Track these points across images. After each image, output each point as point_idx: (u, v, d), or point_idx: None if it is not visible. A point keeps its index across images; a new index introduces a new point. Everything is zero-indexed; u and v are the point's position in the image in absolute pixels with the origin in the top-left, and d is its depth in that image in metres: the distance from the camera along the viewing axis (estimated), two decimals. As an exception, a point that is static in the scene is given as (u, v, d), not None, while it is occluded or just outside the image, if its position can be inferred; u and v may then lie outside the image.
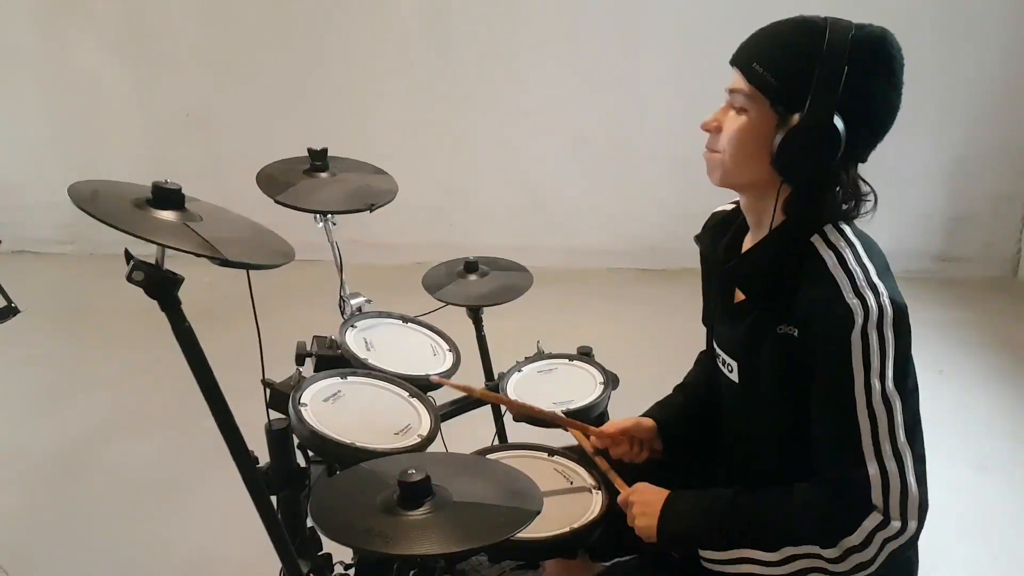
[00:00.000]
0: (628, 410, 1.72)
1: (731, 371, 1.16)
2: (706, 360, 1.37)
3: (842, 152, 0.98)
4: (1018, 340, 3.25)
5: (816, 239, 1.03)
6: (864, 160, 1.05)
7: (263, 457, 1.29)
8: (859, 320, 0.94)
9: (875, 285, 0.97)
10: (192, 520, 2.22)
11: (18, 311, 1.43)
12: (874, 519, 0.96)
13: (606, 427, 1.32)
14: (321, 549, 1.41)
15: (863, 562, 0.97)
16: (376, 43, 3.89)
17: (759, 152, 1.03)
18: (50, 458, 2.53)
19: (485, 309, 1.71)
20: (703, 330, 1.38)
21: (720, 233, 1.21)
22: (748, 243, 1.16)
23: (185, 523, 2.21)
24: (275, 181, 1.55)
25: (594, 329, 3.07)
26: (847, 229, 1.04)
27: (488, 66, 3.88)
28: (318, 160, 1.60)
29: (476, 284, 1.69)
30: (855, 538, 0.96)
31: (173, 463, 2.49)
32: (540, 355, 1.64)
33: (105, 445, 2.59)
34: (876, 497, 0.96)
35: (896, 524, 0.96)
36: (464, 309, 1.70)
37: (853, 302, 0.95)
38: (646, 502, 1.13)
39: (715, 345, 1.21)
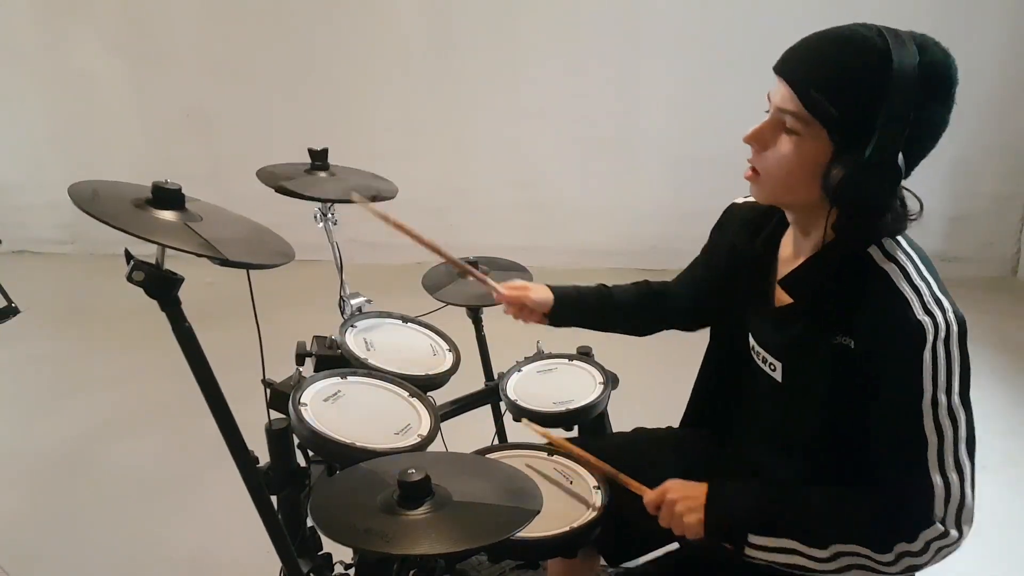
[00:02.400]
0: (628, 410, 1.72)
1: (774, 370, 1.15)
2: (640, 292, 1.44)
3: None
4: (1018, 340, 3.25)
5: (874, 251, 1.01)
6: (908, 176, 1.01)
7: (263, 457, 1.29)
8: (930, 337, 0.94)
9: (940, 300, 0.96)
10: (192, 520, 2.22)
11: (18, 311, 1.43)
12: (935, 530, 0.96)
13: (508, 287, 1.40)
14: (321, 549, 1.41)
15: (916, 565, 0.99)
16: (376, 43, 3.90)
17: (809, 177, 0.99)
18: (50, 458, 2.53)
19: (485, 309, 1.71)
20: (703, 330, 1.39)
21: (756, 227, 1.19)
22: (788, 242, 1.15)
23: (185, 523, 2.21)
24: (275, 177, 1.55)
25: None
26: (902, 241, 1.03)
27: (488, 66, 3.89)
28: (318, 160, 1.60)
29: (476, 284, 1.69)
30: (914, 546, 0.97)
31: (173, 463, 2.49)
32: (540, 355, 1.63)
33: (105, 445, 2.59)
34: (938, 508, 0.96)
35: (954, 534, 0.97)
36: (464, 309, 1.70)
37: (924, 320, 0.94)
38: (688, 497, 1.09)
39: (753, 342, 1.20)
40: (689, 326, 1.44)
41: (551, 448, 1.35)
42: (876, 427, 1.01)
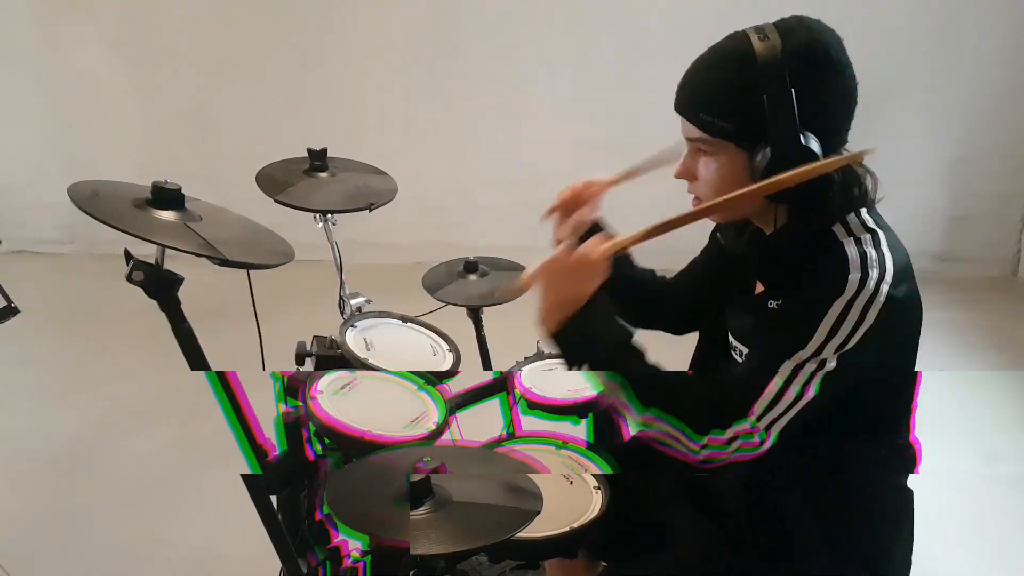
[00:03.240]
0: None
1: (741, 357, 1.16)
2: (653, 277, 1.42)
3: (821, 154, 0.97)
4: (1018, 340, 3.25)
5: (837, 227, 1.02)
6: (845, 141, 1.03)
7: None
8: (850, 291, 0.94)
9: (885, 271, 0.96)
10: (192, 520, 2.22)
11: (18, 311, 1.43)
12: (744, 424, 0.96)
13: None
14: (330, 542, 1.40)
15: (714, 458, 0.97)
16: (376, 43, 3.89)
17: (743, 188, 1.00)
18: (50, 458, 2.53)
19: (485, 309, 1.71)
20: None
21: (742, 226, 1.20)
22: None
23: (185, 523, 2.21)
24: (275, 181, 1.55)
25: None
26: (869, 219, 1.03)
27: (488, 66, 3.88)
28: (318, 160, 1.60)
29: (476, 284, 1.69)
30: (722, 437, 0.96)
31: (173, 463, 2.49)
32: (540, 355, 1.63)
33: (105, 445, 2.58)
34: (759, 406, 0.96)
35: (757, 439, 0.96)
36: (464, 309, 1.70)
37: (852, 276, 0.95)
38: (558, 286, 1.04)
39: (730, 335, 1.21)
40: (679, 327, 1.42)
41: (561, 442, 1.35)
42: (754, 344, 1.04)
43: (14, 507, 2.30)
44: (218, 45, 4.00)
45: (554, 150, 3.97)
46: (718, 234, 1.27)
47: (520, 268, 1.76)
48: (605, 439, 1.58)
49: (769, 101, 0.95)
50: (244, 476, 1.12)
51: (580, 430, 1.50)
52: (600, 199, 1.29)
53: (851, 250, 0.98)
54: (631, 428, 0.99)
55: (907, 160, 3.60)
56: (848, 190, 1.02)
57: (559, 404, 1.43)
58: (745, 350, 1.16)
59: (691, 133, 1.04)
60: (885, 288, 0.95)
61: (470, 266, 1.71)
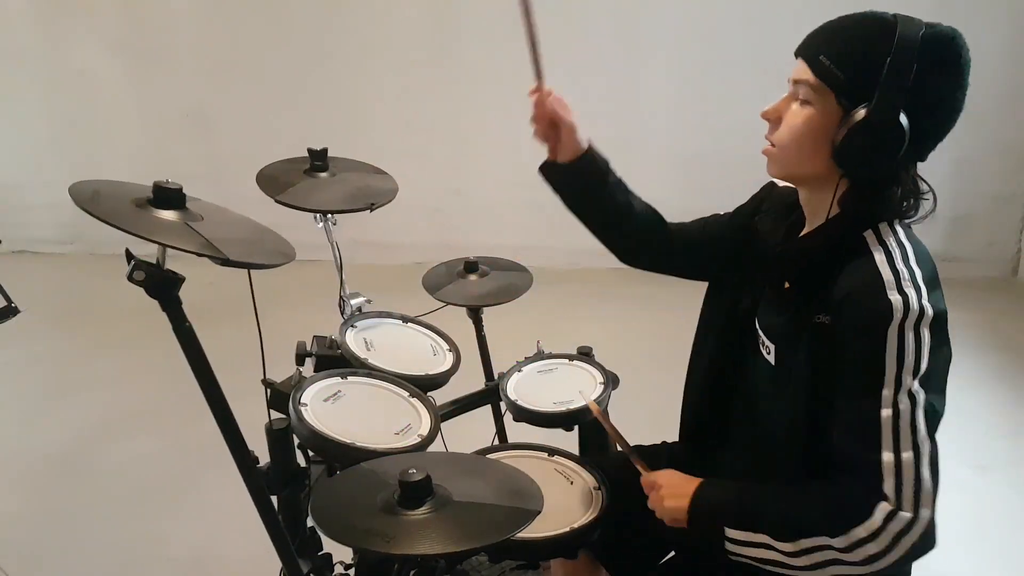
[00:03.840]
0: (628, 410, 1.72)
1: (768, 353, 1.17)
2: (659, 217, 1.39)
3: (904, 150, 0.98)
4: (1018, 340, 3.25)
5: (868, 234, 1.03)
6: (923, 159, 1.05)
7: (263, 456, 1.29)
8: (898, 316, 0.95)
9: (919, 287, 0.97)
10: (192, 520, 2.22)
11: (18, 311, 1.43)
12: (883, 509, 0.95)
13: (555, 99, 1.33)
14: (321, 549, 1.41)
15: (875, 553, 0.96)
16: (376, 43, 3.90)
17: (821, 146, 1.03)
18: (51, 458, 2.53)
19: (485, 309, 1.71)
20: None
21: (783, 214, 1.21)
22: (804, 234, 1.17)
23: (185, 523, 2.21)
24: (275, 181, 1.55)
25: (594, 329, 3.07)
26: (900, 231, 1.04)
27: (488, 65, 3.88)
28: (318, 160, 1.60)
29: (476, 284, 1.69)
30: (865, 528, 0.95)
31: (173, 463, 2.49)
32: (540, 355, 1.63)
33: (105, 445, 2.59)
34: (888, 486, 0.95)
35: (906, 515, 0.95)
36: (464, 309, 1.70)
37: (895, 299, 0.95)
38: (675, 484, 1.12)
39: (756, 326, 1.21)
40: (684, 271, 1.39)
41: (551, 448, 1.35)
42: (838, 403, 1.01)
43: (14, 507, 2.30)
44: (219, 45, 4.01)
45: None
46: (756, 218, 1.27)
47: (520, 268, 1.76)
48: (594, 449, 1.59)
49: (889, 69, 0.96)
50: (244, 476, 1.12)
51: (569, 437, 1.50)
52: (556, 102, 1.32)
53: (884, 267, 0.98)
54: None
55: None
56: (906, 198, 1.04)
57: (548, 414, 1.42)
58: (767, 341, 1.17)
59: (801, 75, 1.04)
60: (927, 304, 0.96)
61: (470, 266, 1.71)
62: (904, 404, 0.96)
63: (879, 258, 1.00)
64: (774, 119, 1.08)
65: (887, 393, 0.96)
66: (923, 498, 0.96)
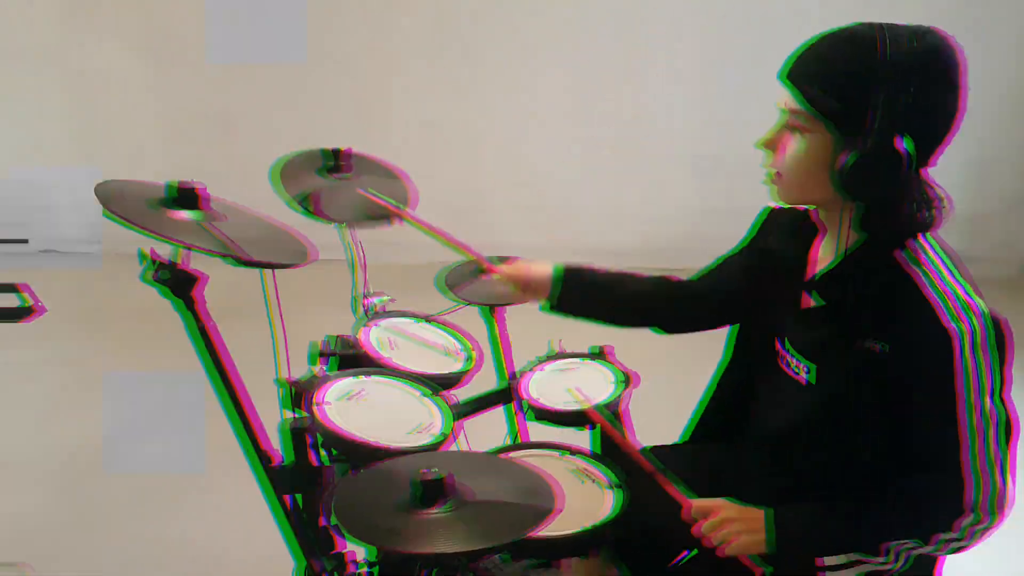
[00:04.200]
0: (644, 410, 1.71)
1: (801, 373, 1.15)
2: (664, 285, 1.39)
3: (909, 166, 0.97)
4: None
5: (900, 255, 1.02)
6: (933, 165, 1.03)
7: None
8: (958, 344, 0.96)
9: (968, 305, 0.98)
10: (209, 519, 2.24)
11: (44, 310, 1.45)
12: (968, 519, 1.00)
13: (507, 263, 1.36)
14: (334, 548, 1.41)
15: (961, 546, 1.03)
16: (391, 45, 3.91)
17: (822, 173, 1.01)
18: (74, 456, 2.56)
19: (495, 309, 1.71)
20: (718, 335, 1.37)
21: (792, 232, 1.20)
22: (819, 244, 1.16)
23: (204, 522, 2.23)
24: (293, 183, 1.55)
25: (611, 328, 3.05)
26: (928, 244, 1.04)
27: (496, 67, 3.88)
28: (339, 161, 1.60)
29: (493, 283, 1.69)
30: (952, 533, 1.01)
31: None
32: (557, 354, 1.63)
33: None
34: (969, 501, 0.99)
35: (988, 520, 1.01)
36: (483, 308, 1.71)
37: (951, 326, 0.96)
38: (746, 519, 1.10)
39: (779, 345, 1.20)
40: (712, 324, 1.40)
41: (566, 448, 1.35)
42: (912, 430, 1.02)
43: (40, 505, 2.33)
44: (239, 46, 4.03)
45: (561, 150, 3.97)
46: (764, 235, 1.26)
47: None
48: (611, 448, 1.58)
49: (881, 93, 0.94)
50: (261, 476, 1.13)
51: (587, 437, 1.50)
52: (508, 267, 1.38)
53: (930, 292, 0.99)
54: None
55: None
56: (920, 210, 1.02)
57: (565, 412, 1.42)
58: (798, 360, 1.15)
59: (792, 104, 1.02)
60: (981, 320, 0.97)
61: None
62: (980, 426, 0.98)
63: (921, 282, 1.00)
64: (773, 149, 1.07)
65: (963, 418, 0.97)
66: (999, 502, 1.00)
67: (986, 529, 1.02)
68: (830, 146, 0.99)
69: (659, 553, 1.34)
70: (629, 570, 1.34)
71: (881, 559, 1.05)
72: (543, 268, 1.33)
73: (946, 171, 1.03)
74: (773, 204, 1.28)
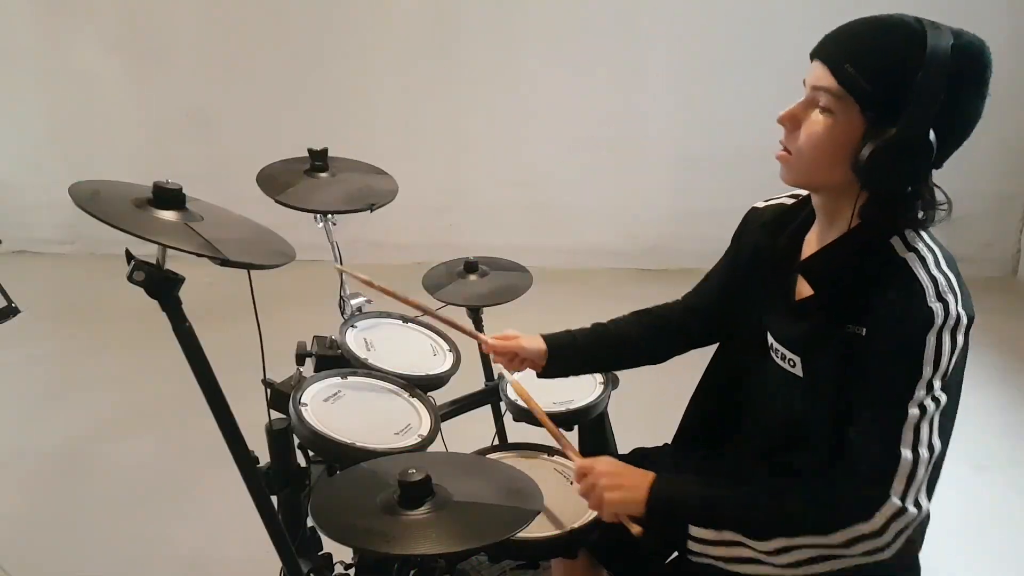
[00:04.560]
0: (628, 410, 1.73)
1: (793, 366, 1.15)
2: (643, 320, 1.39)
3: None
4: (1018, 340, 3.26)
5: (896, 241, 1.02)
6: (940, 167, 1.03)
7: (263, 457, 1.29)
8: (938, 322, 0.95)
9: (955, 291, 0.97)
10: (192, 520, 2.22)
11: (18, 311, 1.43)
12: (891, 506, 0.95)
13: (498, 338, 1.35)
14: (321, 549, 1.41)
15: (876, 548, 0.96)
16: (376, 43, 3.89)
17: (841, 157, 0.99)
18: (51, 458, 2.53)
19: (485, 309, 1.71)
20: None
21: (779, 227, 1.19)
22: (813, 238, 1.15)
23: (185, 523, 2.21)
24: (275, 181, 1.55)
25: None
26: (924, 235, 1.04)
27: (489, 66, 3.89)
28: (318, 160, 1.60)
29: (476, 284, 1.69)
30: (869, 525, 0.95)
31: (173, 463, 2.49)
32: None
33: (105, 445, 2.59)
34: (898, 483, 0.95)
35: (912, 511, 0.95)
36: (464, 309, 1.71)
37: (935, 306, 0.95)
38: (616, 474, 1.09)
39: (771, 338, 1.20)
40: (706, 339, 1.39)
41: (551, 448, 1.35)
42: (862, 398, 1.00)
43: (15, 507, 2.30)
44: (219, 45, 4.00)
45: (554, 150, 3.98)
46: (750, 236, 1.26)
47: (520, 268, 1.76)
48: (594, 449, 1.59)
49: (920, 85, 0.92)
50: (244, 476, 1.12)
51: (571, 438, 1.50)
52: (502, 340, 1.35)
53: (919, 272, 0.98)
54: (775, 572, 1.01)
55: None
56: (926, 209, 1.02)
57: (548, 414, 1.42)
58: (789, 353, 1.15)
59: (822, 81, 0.99)
60: (962, 311, 0.96)
61: (470, 266, 1.71)
62: (931, 406, 0.96)
63: (913, 264, 0.99)
64: (791, 125, 1.04)
65: (919, 394, 0.95)
66: (928, 493, 0.97)
67: (908, 526, 0.95)
68: (856, 130, 0.97)
69: (643, 554, 1.34)
70: (613, 570, 1.35)
71: (765, 549, 0.98)
72: (534, 343, 1.35)
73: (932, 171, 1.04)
74: (759, 204, 1.28)
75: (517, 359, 1.35)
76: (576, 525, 1.16)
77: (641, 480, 1.08)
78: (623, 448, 1.42)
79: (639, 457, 1.41)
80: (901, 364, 0.96)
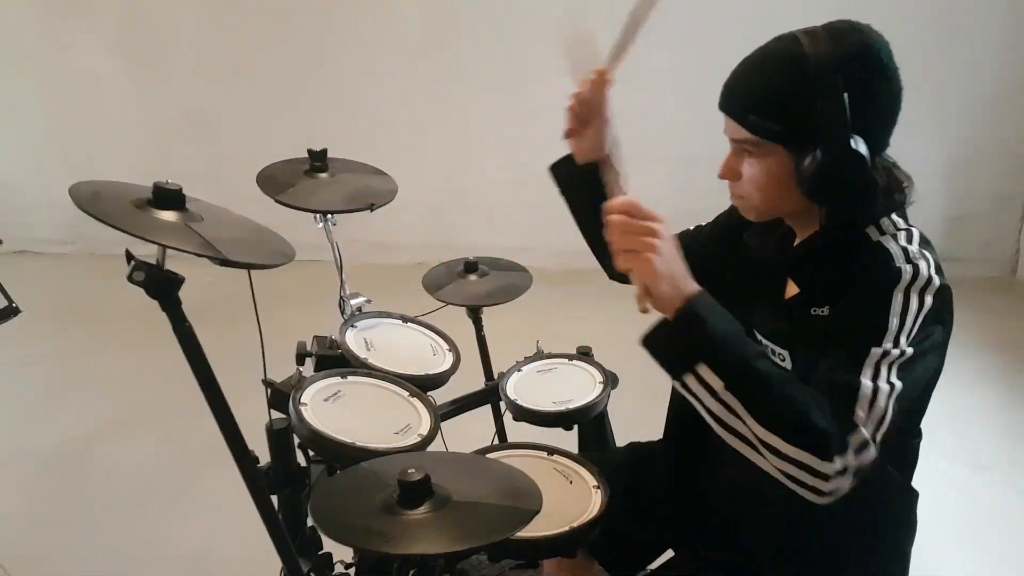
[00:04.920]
0: (628, 410, 1.73)
1: (783, 360, 1.16)
2: None
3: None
4: (1017, 340, 3.25)
5: (871, 230, 1.04)
6: (886, 147, 1.05)
7: (263, 456, 1.29)
8: (906, 279, 0.95)
9: (929, 261, 0.98)
10: (192, 519, 2.23)
11: (19, 311, 1.43)
12: (859, 436, 0.90)
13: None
14: (321, 548, 1.41)
15: (839, 490, 0.90)
16: (377, 43, 3.90)
17: (788, 188, 1.02)
18: (51, 458, 2.53)
19: (485, 309, 1.71)
20: None
21: (770, 227, 1.20)
22: (799, 240, 1.16)
23: (185, 522, 2.22)
24: (275, 181, 1.55)
25: (594, 329, 3.07)
26: (898, 219, 1.05)
27: (489, 66, 3.89)
28: (318, 161, 1.61)
29: (476, 284, 1.69)
30: (842, 460, 0.88)
31: (173, 463, 2.49)
32: (540, 355, 1.64)
33: (105, 445, 2.59)
34: (861, 409, 0.91)
35: (873, 451, 0.91)
36: (464, 309, 1.71)
37: (904, 266, 0.96)
38: (676, 257, 0.92)
39: (759, 336, 1.20)
40: None
41: (551, 448, 1.35)
42: (829, 340, 0.99)
43: (15, 506, 2.30)
44: (219, 46, 4.01)
45: (554, 150, 3.98)
46: (744, 235, 1.26)
47: (520, 268, 1.77)
48: (593, 448, 1.59)
49: (822, 104, 0.95)
50: (245, 476, 1.12)
51: (569, 437, 1.50)
52: (607, 97, 1.28)
53: (891, 246, 0.99)
54: (760, 460, 0.91)
55: (906, 160, 3.58)
56: (890, 194, 1.04)
57: (547, 413, 1.43)
58: (779, 349, 1.15)
59: (737, 134, 1.04)
60: (936, 276, 0.97)
61: (470, 266, 1.71)
62: (894, 352, 0.94)
63: (887, 242, 1.00)
64: (732, 176, 1.08)
65: (884, 341, 0.94)
66: (881, 432, 0.91)
67: (864, 466, 0.89)
68: (788, 163, 1.01)
69: (640, 551, 1.34)
70: (609, 568, 1.35)
71: (759, 434, 0.89)
72: (601, 142, 1.29)
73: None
74: None
75: (587, 122, 1.30)
76: (576, 524, 1.16)
77: (691, 283, 0.93)
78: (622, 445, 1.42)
79: (633, 452, 1.42)
80: (867, 316, 0.96)
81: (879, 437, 0.92)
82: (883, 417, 0.92)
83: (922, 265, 0.97)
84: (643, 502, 1.30)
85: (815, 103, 0.95)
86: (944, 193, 3.77)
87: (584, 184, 1.30)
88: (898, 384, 0.93)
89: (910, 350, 0.95)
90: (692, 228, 1.37)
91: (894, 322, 0.95)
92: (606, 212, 0.93)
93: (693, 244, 1.29)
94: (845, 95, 0.95)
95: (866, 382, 0.93)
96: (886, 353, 0.94)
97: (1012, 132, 3.72)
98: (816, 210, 1.05)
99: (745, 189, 1.07)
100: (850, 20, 1.01)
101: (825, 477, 0.88)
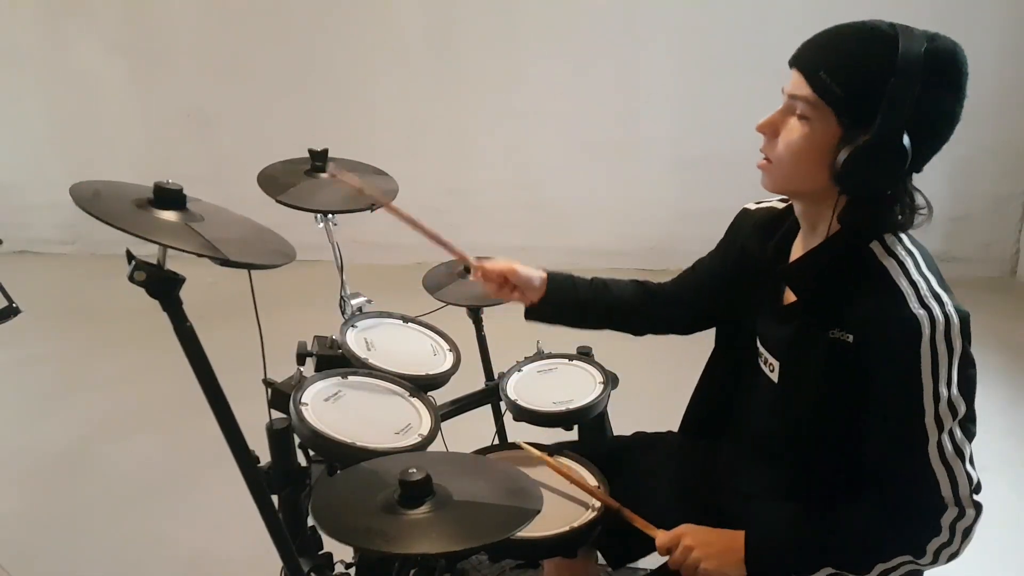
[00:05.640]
0: (628, 410, 1.73)
1: (772, 370, 1.16)
2: (639, 292, 1.39)
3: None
4: (1017, 340, 3.25)
5: (875, 246, 1.03)
6: (920, 171, 1.03)
7: (263, 456, 1.29)
8: (926, 331, 0.95)
9: (939, 295, 0.98)
10: (192, 519, 2.23)
11: (19, 311, 1.43)
12: (951, 513, 0.99)
13: (491, 264, 1.32)
14: (321, 548, 1.41)
15: (952, 553, 1.02)
16: (376, 43, 3.90)
17: (819, 163, 1.01)
18: (51, 458, 2.53)
19: (485, 309, 1.71)
20: (703, 333, 1.38)
21: (768, 232, 1.20)
22: (799, 245, 1.16)
23: (185, 522, 2.21)
24: (276, 182, 1.55)
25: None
26: (904, 238, 1.04)
27: (489, 66, 3.89)
28: (319, 161, 1.61)
29: (476, 284, 1.69)
30: (939, 540, 1.00)
31: (173, 463, 2.49)
32: (540, 355, 1.64)
33: (105, 445, 2.59)
34: (946, 494, 0.99)
35: (971, 512, 1.00)
36: (464, 309, 1.71)
37: (919, 313, 0.96)
38: (706, 543, 1.11)
39: (758, 343, 1.21)
40: (686, 328, 1.41)
41: (552, 448, 1.35)
42: (875, 424, 1.02)
43: (15, 506, 2.30)
44: (220, 46, 4.01)
45: (553, 150, 3.98)
46: (740, 237, 1.27)
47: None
48: (594, 447, 1.59)
49: (892, 90, 0.93)
50: (245, 476, 1.12)
51: (570, 437, 1.50)
52: (493, 266, 1.33)
53: (901, 281, 0.99)
54: None
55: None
56: (906, 211, 1.03)
57: (547, 413, 1.43)
58: (771, 358, 1.16)
59: (798, 90, 1.01)
60: (952, 312, 0.97)
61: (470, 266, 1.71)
62: (946, 416, 0.97)
63: (893, 271, 1.00)
64: (770, 133, 1.06)
65: (929, 409, 0.97)
66: (974, 490, 1.00)
67: (971, 525, 1.00)
68: (832, 136, 0.99)
69: (641, 544, 1.34)
70: (611, 561, 1.35)
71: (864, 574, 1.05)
72: (531, 271, 1.33)
73: (929, 172, 1.04)
74: (751, 206, 1.29)
75: (508, 285, 1.31)
76: (576, 524, 1.16)
77: (731, 542, 1.11)
78: (623, 447, 1.42)
79: (641, 441, 1.42)
80: (899, 378, 0.98)
81: (972, 494, 1.00)
82: (967, 484, 1.00)
83: (935, 308, 0.96)
84: (644, 490, 1.30)
85: (887, 84, 0.94)
86: (944, 193, 3.76)
87: (560, 311, 1.35)
88: (965, 448, 0.99)
89: (961, 404, 0.98)
90: (706, 256, 1.37)
91: (928, 382, 0.96)
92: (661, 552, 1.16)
93: (709, 266, 1.35)
94: (918, 89, 0.94)
95: (939, 468, 0.98)
96: (940, 425, 0.97)
97: (1011, 133, 3.72)
98: (832, 201, 1.03)
99: (778, 150, 1.04)
100: (950, 36, 1.00)
101: (930, 561, 1.03)
